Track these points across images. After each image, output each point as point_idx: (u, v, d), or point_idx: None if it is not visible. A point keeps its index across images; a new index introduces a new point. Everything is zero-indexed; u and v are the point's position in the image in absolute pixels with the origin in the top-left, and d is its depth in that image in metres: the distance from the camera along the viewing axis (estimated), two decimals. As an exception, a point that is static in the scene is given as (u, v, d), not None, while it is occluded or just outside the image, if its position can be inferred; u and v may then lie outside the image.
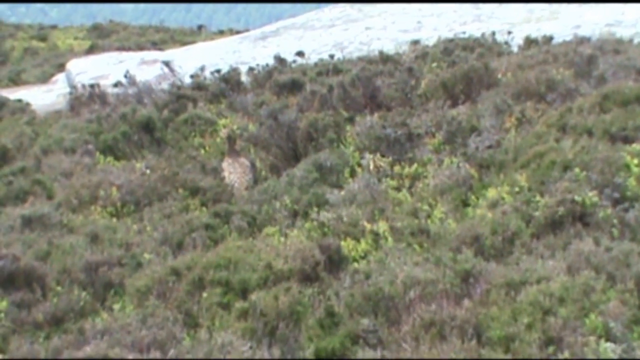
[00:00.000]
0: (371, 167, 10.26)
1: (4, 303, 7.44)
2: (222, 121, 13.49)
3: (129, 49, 26.17)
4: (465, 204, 9.02)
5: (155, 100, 15.33)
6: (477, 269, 6.79)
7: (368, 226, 8.30)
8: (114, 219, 9.85)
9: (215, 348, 6.24)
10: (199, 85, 16.05)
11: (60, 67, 24.06)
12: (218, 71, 16.77)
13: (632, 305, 6.08)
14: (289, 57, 17.84)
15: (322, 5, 23.22)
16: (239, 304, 6.88)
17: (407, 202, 9.24)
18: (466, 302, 6.45)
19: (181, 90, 15.64)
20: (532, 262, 6.92)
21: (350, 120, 12.21)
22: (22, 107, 18.16)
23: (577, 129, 9.61)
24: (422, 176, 10.01)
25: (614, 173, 8.18)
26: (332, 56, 17.84)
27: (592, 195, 7.68)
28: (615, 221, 7.48)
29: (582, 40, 14.88)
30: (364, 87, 13.38)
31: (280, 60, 17.61)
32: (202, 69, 17.38)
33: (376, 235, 8.20)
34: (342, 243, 7.93)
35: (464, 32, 17.95)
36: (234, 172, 10.78)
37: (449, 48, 15.88)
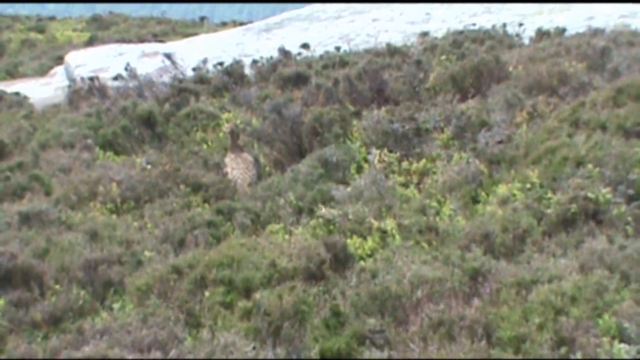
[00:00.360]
0: (378, 162, 10.25)
1: (1, 302, 7.46)
2: (225, 115, 13.50)
3: (129, 41, 26.19)
4: (475, 200, 9.02)
5: (157, 94, 15.37)
6: (487, 267, 6.79)
7: (375, 223, 8.30)
8: (114, 216, 9.86)
9: (217, 348, 6.24)
10: (201, 79, 16.08)
11: (59, 60, 24.10)
12: (221, 64, 16.82)
13: (647, 305, 6.08)
14: (294, 49, 17.87)
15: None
16: (242, 304, 6.88)
17: (415, 198, 9.24)
18: (475, 302, 6.45)
19: (183, 84, 15.68)
20: (544, 260, 6.92)
21: (357, 114, 12.22)
22: (20, 101, 18.20)
23: (590, 123, 9.60)
24: (430, 172, 10.02)
25: (628, 169, 8.17)
26: (338, 48, 17.87)
27: (605, 192, 7.68)
28: (629, 219, 7.48)
29: (596, 32, 14.89)
30: (370, 80, 13.39)
31: (284, 52, 17.64)
32: (205, 61, 17.41)
33: (383, 232, 8.20)
34: (348, 241, 7.93)
35: (473, 24, 17.97)
36: (236, 168, 10.79)
37: (459, 40, 15.90)
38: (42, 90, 20.28)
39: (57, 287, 7.73)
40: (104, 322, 6.83)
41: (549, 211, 7.78)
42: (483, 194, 9.06)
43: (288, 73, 15.17)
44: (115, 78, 17.30)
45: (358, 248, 7.98)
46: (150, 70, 17.83)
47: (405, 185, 9.86)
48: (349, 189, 9.51)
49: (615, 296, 6.13)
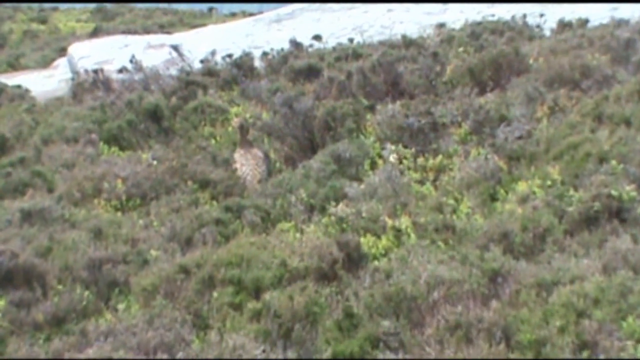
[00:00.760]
0: (393, 158, 10.25)
1: (2, 302, 7.47)
2: (234, 109, 13.52)
3: (134, 32, 26.26)
4: (494, 198, 9.01)
5: (163, 87, 15.40)
6: (506, 267, 6.78)
7: (389, 222, 8.30)
8: (119, 213, 9.88)
9: (226, 351, 6.25)
10: (209, 71, 16.11)
11: (62, 52, 24.17)
12: (230, 56, 16.83)
13: (673, 307, 6.07)
14: (306, 41, 17.89)
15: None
16: (251, 304, 6.88)
17: (431, 196, 9.24)
18: (494, 303, 6.44)
19: (190, 77, 15.71)
20: (565, 260, 6.91)
21: (371, 108, 12.22)
22: (22, 94, 18.26)
23: (614, 118, 9.58)
24: (447, 168, 10.01)
25: (654, 166, 8.16)
26: (351, 40, 17.89)
27: (629, 190, 7.66)
28: (654, 217, 7.47)
29: (620, 23, 14.86)
30: (385, 73, 13.39)
31: (296, 44, 17.66)
32: (213, 53, 17.43)
33: (398, 231, 8.20)
34: (362, 239, 7.93)
35: (492, 15, 17.95)
36: (246, 164, 10.80)
37: (477, 31, 15.90)
38: (45, 83, 20.34)
39: (60, 287, 7.74)
40: (108, 324, 6.84)
41: (570, 209, 7.76)
42: (502, 191, 9.05)
43: (299, 65, 15.18)
44: (120, 70, 17.33)
45: (372, 247, 7.98)
46: (157, 62, 17.87)
47: (421, 182, 9.86)
48: (362, 186, 9.51)
49: (640, 298, 6.12)
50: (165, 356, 6.20)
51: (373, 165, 10.48)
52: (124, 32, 25.64)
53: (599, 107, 10.03)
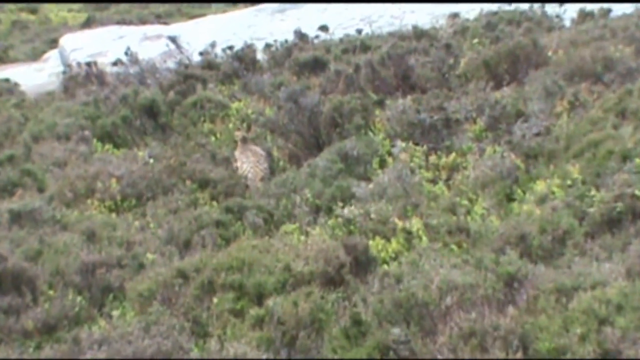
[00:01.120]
0: (403, 156, 10.26)
1: (-10, 308, 7.51)
2: (235, 104, 13.53)
3: (130, 22, 26.30)
4: (510, 198, 9.02)
5: (160, 81, 15.42)
6: (523, 272, 6.78)
7: (399, 223, 8.31)
8: (113, 215, 9.90)
9: (226, 360, 6.27)
10: (209, 64, 16.12)
11: (53, 43, 24.18)
12: (230, 48, 16.83)
13: (700, 314, 6.07)
14: (311, 32, 17.88)
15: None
16: (253, 311, 6.90)
17: (443, 196, 9.25)
18: (510, 310, 6.45)
19: (189, 70, 15.73)
20: (586, 265, 6.91)
21: (380, 103, 12.23)
22: (10, 88, 18.29)
23: (639, 114, 9.58)
24: (461, 167, 10.02)
25: (680, 164, 8.16)
26: (359, 31, 17.87)
27: (654, 190, 7.67)
28: (681, 219, 7.47)
29: (645, 13, 14.83)
30: (395, 66, 13.40)
31: (300, 35, 17.66)
32: (213, 45, 17.43)
33: (409, 233, 8.22)
34: (370, 242, 7.95)
35: (509, 4, 17.92)
36: (247, 161, 10.81)
37: (492, 22, 15.89)
38: (35, 76, 20.37)
39: (51, 292, 7.77)
40: (102, 331, 6.85)
41: (591, 210, 7.77)
42: (519, 191, 9.06)
43: (304, 58, 15.19)
44: (115, 63, 17.34)
45: (381, 250, 7.99)
46: (153, 54, 17.88)
47: (433, 181, 9.87)
48: (371, 186, 9.52)
49: (665, 304, 6.12)
50: (162, 365, 6.23)
51: (382, 164, 10.49)
52: (118, 23, 25.68)
53: (622, 101, 10.03)
